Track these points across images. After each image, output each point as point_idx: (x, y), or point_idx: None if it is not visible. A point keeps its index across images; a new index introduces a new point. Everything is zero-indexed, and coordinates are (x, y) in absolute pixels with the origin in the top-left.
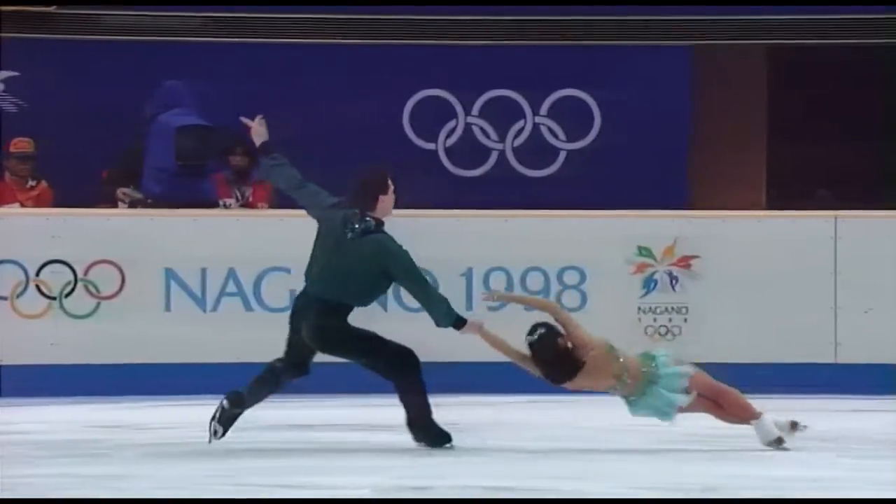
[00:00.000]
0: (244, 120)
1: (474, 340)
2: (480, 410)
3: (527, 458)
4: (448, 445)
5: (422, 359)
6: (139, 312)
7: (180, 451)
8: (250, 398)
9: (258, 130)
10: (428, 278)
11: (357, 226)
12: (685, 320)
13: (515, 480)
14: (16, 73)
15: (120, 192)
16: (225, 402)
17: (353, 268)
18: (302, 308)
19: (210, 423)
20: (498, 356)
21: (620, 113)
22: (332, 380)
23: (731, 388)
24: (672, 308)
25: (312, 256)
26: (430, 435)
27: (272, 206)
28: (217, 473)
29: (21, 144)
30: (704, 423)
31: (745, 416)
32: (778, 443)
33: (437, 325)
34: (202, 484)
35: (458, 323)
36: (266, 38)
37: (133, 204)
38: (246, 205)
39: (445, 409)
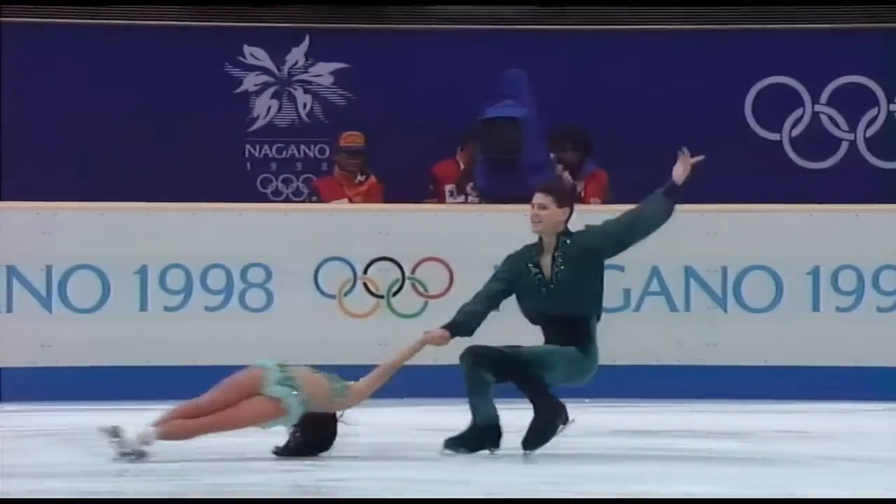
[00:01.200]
0: None
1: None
2: (837, 417)
3: (886, 469)
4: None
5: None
6: None
7: (512, 456)
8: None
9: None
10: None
11: None
12: None
13: (869, 492)
14: (346, 66)
15: (469, 186)
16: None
17: None
18: None
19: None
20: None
21: None
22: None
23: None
24: None
25: None
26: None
27: (605, 202)
28: (550, 479)
29: (352, 139)
30: None
31: None
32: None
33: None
34: (532, 490)
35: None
36: (596, 25)
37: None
38: (578, 199)
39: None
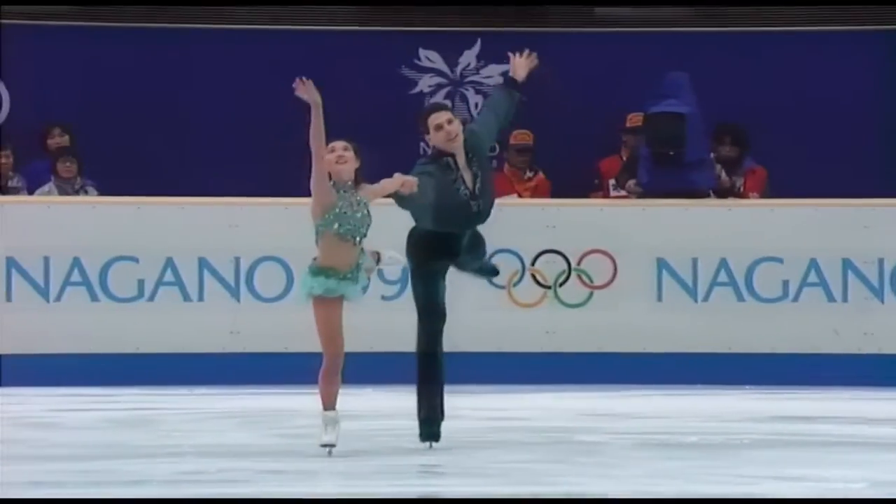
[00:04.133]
0: None
1: None
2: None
3: None
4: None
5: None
6: (631, 302)
7: (675, 442)
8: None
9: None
10: None
11: None
12: None
13: None
14: None
15: (630, 183)
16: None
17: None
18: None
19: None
20: None
21: None
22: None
23: (333, 362)
24: None
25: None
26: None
27: (764, 196)
28: (714, 465)
29: (521, 137)
30: None
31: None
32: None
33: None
34: (697, 476)
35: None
36: (754, 27)
37: (632, 194)
38: (737, 194)
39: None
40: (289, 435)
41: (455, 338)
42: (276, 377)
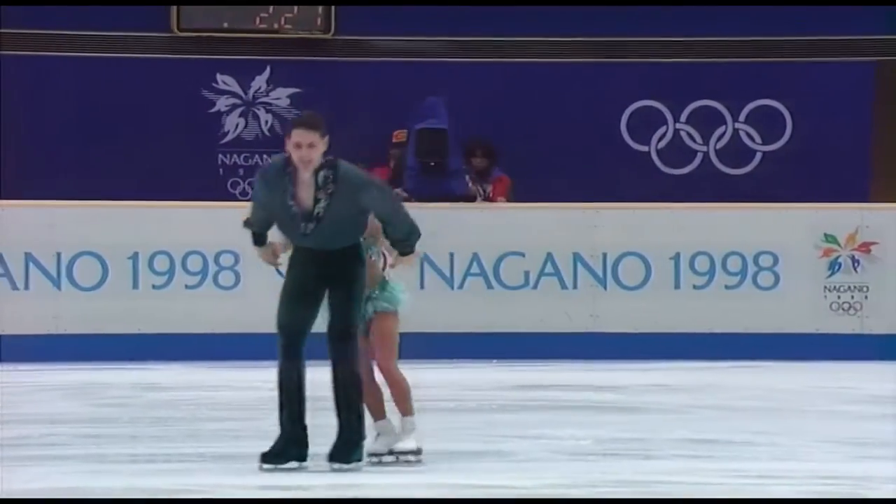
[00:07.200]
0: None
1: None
2: (693, 373)
3: (732, 415)
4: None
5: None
6: None
7: (435, 408)
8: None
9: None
10: None
11: None
12: (865, 297)
13: (720, 434)
14: (300, 90)
15: (397, 191)
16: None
17: None
18: None
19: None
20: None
21: (810, 120)
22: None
23: (403, 380)
24: (854, 287)
25: None
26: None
27: (509, 200)
28: (469, 427)
29: None
30: None
31: (401, 408)
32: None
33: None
34: (454, 437)
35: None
36: (511, 59)
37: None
38: (487, 199)
39: (662, 373)
40: (103, 405)
41: (252, 320)
42: (92, 355)
